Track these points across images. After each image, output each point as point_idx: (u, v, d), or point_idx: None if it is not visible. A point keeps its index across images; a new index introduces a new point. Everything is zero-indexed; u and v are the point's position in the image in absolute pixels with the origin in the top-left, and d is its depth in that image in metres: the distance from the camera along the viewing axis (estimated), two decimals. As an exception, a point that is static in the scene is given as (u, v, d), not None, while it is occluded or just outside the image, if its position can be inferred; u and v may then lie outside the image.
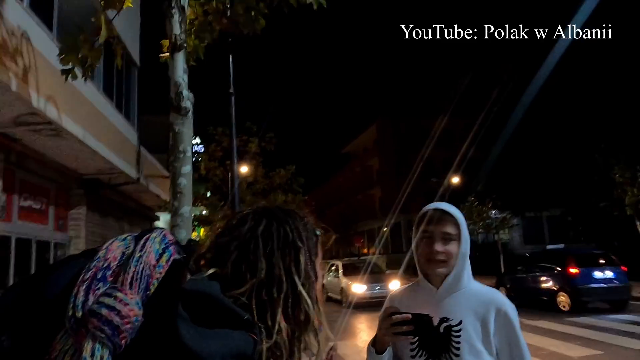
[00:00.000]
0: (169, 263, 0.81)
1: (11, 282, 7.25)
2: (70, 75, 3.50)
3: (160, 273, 0.79)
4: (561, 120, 25.71)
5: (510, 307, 1.56)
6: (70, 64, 3.40)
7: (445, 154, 31.86)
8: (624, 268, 11.85)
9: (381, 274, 17.01)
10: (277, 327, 0.82)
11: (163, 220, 18.91)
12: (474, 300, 1.57)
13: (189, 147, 2.79)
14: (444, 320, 1.57)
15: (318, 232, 0.99)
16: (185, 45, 2.85)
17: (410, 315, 1.45)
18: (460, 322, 1.54)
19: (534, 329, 9.03)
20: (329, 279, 17.19)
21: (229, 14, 4.06)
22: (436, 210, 1.61)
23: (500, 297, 1.59)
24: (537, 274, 12.89)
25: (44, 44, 6.15)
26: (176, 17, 2.84)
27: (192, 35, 4.11)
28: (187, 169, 2.74)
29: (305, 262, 0.89)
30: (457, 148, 29.02)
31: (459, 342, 1.52)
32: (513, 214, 23.55)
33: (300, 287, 0.86)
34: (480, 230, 22.19)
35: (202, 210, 15.99)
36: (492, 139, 26.20)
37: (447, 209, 1.61)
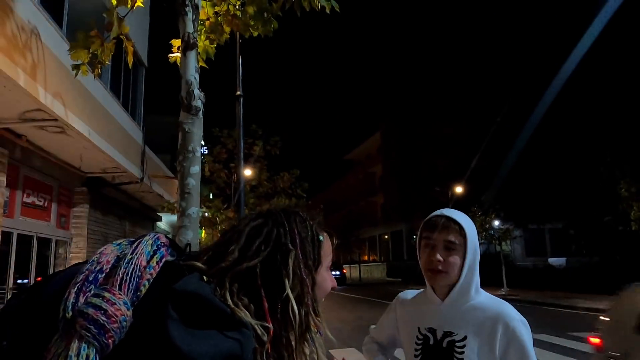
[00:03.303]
0: (160, 264, 0.82)
1: (11, 277, 7.21)
2: (80, 71, 3.48)
3: (151, 274, 0.80)
4: (567, 132, 25.56)
5: (520, 322, 1.43)
6: (80, 59, 3.38)
7: (449, 163, 31.76)
8: (344, 271, 33.25)
9: None
10: (259, 329, 0.79)
11: (165, 221, 18.81)
12: (480, 314, 1.46)
13: (199, 147, 2.75)
14: (447, 334, 1.48)
15: (322, 238, 0.95)
16: (197, 44, 2.82)
17: None
18: (465, 338, 1.44)
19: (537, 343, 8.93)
20: None
21: (239, 15, 4.03)
22: (441, 216, 1.50)
23: (509, 311, 1.46)
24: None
25: (53, 41, 6.14)
26: (189, 15, 2.81)
27: (202, 36, 4.08)
28: (195, 169, 2.69)
29: (294, 266, 0.86)
30: (462, 157, 28.91)
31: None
32: (515, 226, 23.42)
33: (288, 291, 0.84)
34: (483, 241, 22.04)
35: (205, 212, 15.90)
36: (498, 148, 26.13)
37: (453, 215, 1.50)
